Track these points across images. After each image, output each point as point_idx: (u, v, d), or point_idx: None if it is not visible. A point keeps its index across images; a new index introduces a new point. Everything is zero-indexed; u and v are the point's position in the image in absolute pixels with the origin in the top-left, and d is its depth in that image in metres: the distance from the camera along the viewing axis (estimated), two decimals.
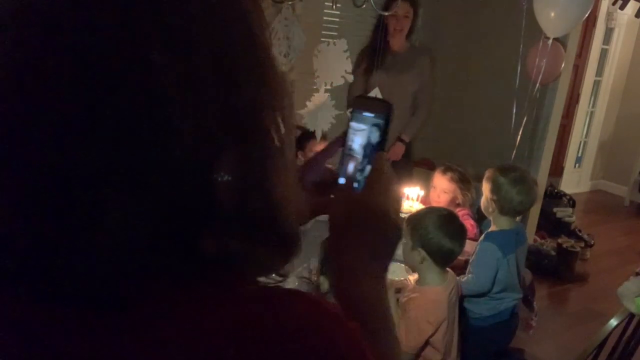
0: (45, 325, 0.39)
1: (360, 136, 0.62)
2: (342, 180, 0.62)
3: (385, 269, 0.59)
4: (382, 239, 0.58)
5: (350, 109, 0.64)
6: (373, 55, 3.05)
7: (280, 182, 0.44)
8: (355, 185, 0.61)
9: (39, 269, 0.38)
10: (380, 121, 0.61)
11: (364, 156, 0.61)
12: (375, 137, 0.61)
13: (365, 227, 0.58)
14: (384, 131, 0.61)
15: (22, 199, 0.37)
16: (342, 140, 0.64)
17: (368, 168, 0.61)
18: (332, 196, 0.63)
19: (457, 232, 1.81)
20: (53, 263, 0.38)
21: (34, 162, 0.37)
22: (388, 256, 0.59)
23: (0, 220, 0.38)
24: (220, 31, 0.41)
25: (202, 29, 0.40)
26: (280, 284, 0.46)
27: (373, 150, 0.61)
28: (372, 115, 0.61)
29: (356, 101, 0.65)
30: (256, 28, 0.44)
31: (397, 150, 3.17)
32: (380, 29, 3.07)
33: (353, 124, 0.62)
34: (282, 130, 0.44)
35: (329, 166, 0.69)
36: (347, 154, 0.63)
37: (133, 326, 0.39)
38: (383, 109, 0.61)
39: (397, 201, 0.61)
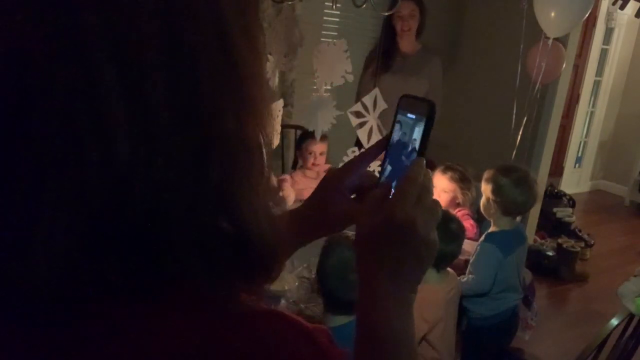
0: None
1: (404, 139, 0.56)
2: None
3: (413, 293, 0.52)
4: (408, 258, 0.51)
5: (396, 110, 0.58)
6: (382, 57, 3.02)
7: (249, 196, 0.40)
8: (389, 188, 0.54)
9: None
10: (423, 123, 0.53)
11: (394, 159, 0.56)
12: (416, 141, 0.54)
13: (389, 244, 0.51)
14: (424, 134, 0.53)
15: None
16: (385, 143, 0.58)
17: (388, 169, 0.56)
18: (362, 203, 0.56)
19: (448, 233, 1.80)
20: None
21: None
22: (416, 279, 0.52)
23: None
24: (177, 21, 0.37)
25: (157, 25, 0.36)
26: (278, 295, 0.43)
27: (408, 155, 0.54)
28: (416, 117, 0.54)
29: (403, 102, 0.57)
30: (233, 28, 0.40)
31: None
32: (387, 30, 3.05)
33: (399, 128, 0.56)
34: (253, 141, 0.40)
35: (370, 170, 0.63)
36: (389, 159, 0.57)
37: (77, 344, 0.37)
38: (424, 109, 0.54)
39: (433, 215, 0.52)
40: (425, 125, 0.53)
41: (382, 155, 0.60)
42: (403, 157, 0.55)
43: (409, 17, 2.97)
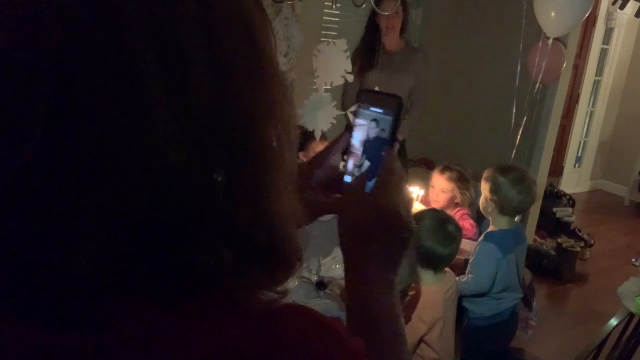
0: (22, 346, 0.38)
1: (360, 132, 0.59)
2: (348, 179, 0.59)
3: (397, 275, 0.57)
4: (396, 243, 0.56)
5: (356, 105, 0.60)
6: (367, 55, 3.04)
7: (279, 199, 0.42)
8: (367, 185, 0.57)
9: (13, 287, 0.36)
10: (388, 117, 0.57)
11: (363, 152, 0.59)
12: (380, 133, 0.57)
13: (379, 231, 0.55)
14: (393, 127, 0.57)
15: None
16: (347, 137, 0.60)
17: (366, 164, 0.58)
18: (339, 196, 0.60)
19: (446, 236, 1.80)
20: (28, 280, 0.36)
21: (6, 166, 0.35)
22: (400, 262, 0.57)
23: None
24: (216, 33, 0.38)
25: (196, 32, 0.37)
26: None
27: (380, 148, 0.58)
28: (380, 111, 0.58)
29: (363, 96, 0.60)
30: (258, 32, 0.41)
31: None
32: (372, 28, 3.07)
33: (358, 121, 0.59)
34: (283, 143, 0.42)
35: (334, 164, 0.65)
36: (352, 152, 0.60)
37: (114, 346, 0.37)
38: (392, 104, 0.57)
39: (409, 202, 0.58)
40: (394, 119, 0.57)
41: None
42: (373, 150, 0.58)
43: (393, 15, 2.98)
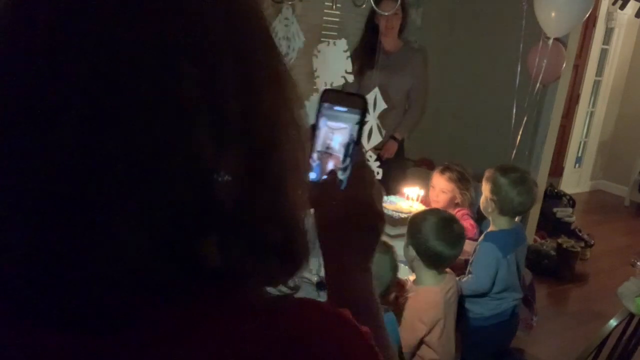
0: (50, 350, 0.38)
1: (340, 134, 0.60)
2: (313, 177, 0.60)
3: (371, 262, 0.61)
4: (369, 232, 0.60)
5: (319, 105, 0.61)
6: (365, 55, 3.04)
7: (294, 198, 0.43)
8: (340, 182, 0.59)
9: (41, 289, 0.37)
10: (354, 115, 0.59)
11: (346, 155, 0.60)
12: (355, 133, 0.59)
13: (354, 222, 0.59)
14: (359, 125, 0.59)
15: (22, 210, 0.36)
16: (312, 133, 0.61)
17: (351, 166, 0.60)
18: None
19: (450, 236, 1.79)
20: (55, 284, 0.36)
21: (36, 173, 0.35)
22: (374, 250, 0.61)
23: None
24: (241, 39, 0.41)
25: (225, 37, 0.39)
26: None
27: (347, 145, 0.60)
28: (348, 110, 0.60)
29: (327, 95, 0.61)
30: (272, 38, 0.44)
31: (390, 148, 3.18)
32: (371, 28, 3.07)
33: (330, 123, 0.60)
34: (297, 143, 0.44)
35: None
36: (324, 152, 0.60)
37: (143, 346, 0.38)
38: (357, 103, 0.60)
39: (380, 193, 0.62)
40: (361, 117, 0.59)
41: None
42: (341, 147, 0.60)
43: (392, 15, 2.98)
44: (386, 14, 2.80)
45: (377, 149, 3.11)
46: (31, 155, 0.36)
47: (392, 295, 1.77)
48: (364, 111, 0.59)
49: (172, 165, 0.37)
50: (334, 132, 0.60)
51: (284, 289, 0.44)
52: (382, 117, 3.06)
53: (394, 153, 3.19)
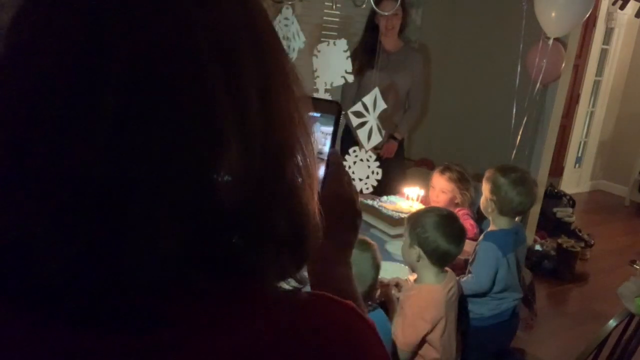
0: (78, 349, 0.38)
1: (329, 139, 0.64)
2: None
3: (350, 255, 0.64)
4: (351, 228, 0.64)
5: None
6: (365, 54, 3.04)
7: (307, 199, 0.45)
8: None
9: (72, 290, 0.37)
10: (329, 119, 0.64)
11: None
12: (321, 134, 0.63)
13: (338, 219, 0.61)
14: (334, 129, 0.64)
15: (53, 216, 0.37)
16: None
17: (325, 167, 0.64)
18: None
19: (455, 233, 1.80)
20: (85, 283, 0.37)
21: (66, 178, 0.36)
22: (353, 245, 0.65)
23: (30, 240, 0.37)
24: (260, 41, 0.42)
25: (246, 38, 0.41)
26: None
27: (323, 147, 0.64)
28: (317, 115, 0.63)
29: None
30: (280, 39, 0.46)
31: (390, 148, 3.19)
32: (371, 28, 3.07)
33: (323, 128, 0.64)
34: (307, 143, 0.45)
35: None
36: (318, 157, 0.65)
37: (172, 344, 0.38)
38: (332, 108, 0.64)
39: (356, 192, 0.66)
40: (335, 122, 0.63)
41: None
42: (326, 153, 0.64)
43: (392, 15, 2.99)
44: (386, 14, 2.80)
45: (376, 148, 3.12)
46: (66, 159, 0.36)
47: (378, 293, 1.78)
48: (337, 116, 0.63)
49: (200, 167, 0.38)
50: (327, 137, 0.63)
51: (292, 282, 0.46)
52: (381, 117, 3.06)
53: (394, 153, 3.20)
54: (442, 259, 1.79)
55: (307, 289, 0.49)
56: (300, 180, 0.44)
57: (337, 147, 0.65)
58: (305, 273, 0.48)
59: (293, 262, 0.45)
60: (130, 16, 0.37)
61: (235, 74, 0.40)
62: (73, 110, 0.36)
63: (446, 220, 1.81)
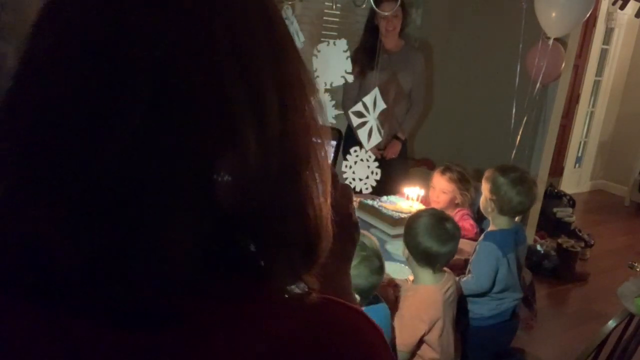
0: (93, 344, 0.39)
1: None
2: None
3: (350, 266, 0.65)
4: (350, 241, 0.64)
5: None
6: (366, 55, 3.04)
7: (320, 202, 0.45)
8: None
9: (88, 287, 0.38)
10: (334, 148, 0.69)
11: None
12: (333, 162, 0.67)
13: (338, 232, 0.61)
14: (335, 152, 0.68)
15: (71, 214, 0.37)
16: None
17: None
18: None
19: (442, 234, 1.79)
20: (101, 284, 0.37)
21: (84, 176, 0.36)
22: (352, 255, 0.65)
23: (48, 237, 0.37)
24: (277, 44, 0.43)
25: (264, 41, 0.41)
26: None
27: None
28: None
29: None
30: (295, 44, 0.46)
31: (394, 148, 3.19)
32: (372, 28, 3.07)
33: None
34: (323, 149, 0.46)
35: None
36: None
37: (184, 343, 0.39)
38: (336, 135, 0.69)
39: (353, 206, 0.66)
40: (335, 147, 0.67)
41: None
42: None
43: (393, 17, 2.99)
44: (385, 14, 2.80)
45: (379, 149, 3.12)
46: (86, 160, 0.37)
47: (390, 291, 1.78)
48: (339, 141, 0.68)
49: (218, 171, 0.38)
50: None
51: (301, 285, 0.46)
52: (384, 117, 3.06)
53: (398, 153, 3.20)
54: (426, 259, 1.79)
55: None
56: (314, 185, 0.44)
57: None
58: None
59: (304, 266, 0.45)
60: (153, 19, 0.37)
61: (255, 80, 0.40)
62: (94, 112, 0.36)
63: (432, 220, 1.82)
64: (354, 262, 0.67)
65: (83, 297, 0.38)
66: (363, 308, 0.52)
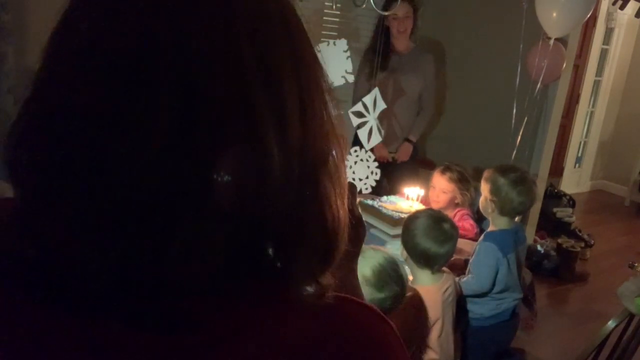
0: (120, 348, 0.39)
1: None
2: None
3: (356, 263, 0.67)
4: (357, 238, 0.65)
5: None
6: (376, 56, 3.03)
7: (338, 203, 0.45)
8: None
9: (115, 292, 0.38)
10: None
11: None
12: None
13: (350, 234, 0.62)
14: None
15: (97, 219, 0.37)
16: None
17: None
18: None
19: (440, 234, 1.79)
20: (126, 287, 0.38)
21: (111, 183, 0.37)
22: (359, 252, 0.67)
23: (74, 244, 0.37)
24: (297, 54, 0.43)
25: (284, 45, 0.42)
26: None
27: None
28: None
29: None
30: (314, 50, 0.46)
31: (405, 151, 3.17)
32: (382, 30, 3.07)
33: None
34: (339, 154, 0.46)
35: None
36: None
37: (207, 346, 0.39)
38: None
39: (357, 206, 0.68)
40: None
41: None
42: None
43: (404, 18, 2.98)
44: (386, 13, 2.80)
45: (390, 152, 3.12)
46: (118, 167, 0.37)
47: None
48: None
49: (245, 177, 0.39)
50: None
51: (316, 285, 0.46)
52: (395, 119, 3.05)
53: (409, 155, 3.19)
54: (423, 259, 1.79)
55: None
56: (331, 189, 0.45)
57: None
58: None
59: (321, 268, 0.46)
60: (178, 27, 0.38)
61: (277, 86, 0.41)
62: (121, 119, 0.37)
63: (430, 221, 1.82)
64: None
65: (110, 302, 0.38)
66: None
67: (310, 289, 0.45)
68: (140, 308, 0.38)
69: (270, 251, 0.42)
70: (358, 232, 0.65)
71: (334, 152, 0.45)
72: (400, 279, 1.54)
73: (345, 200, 0.47)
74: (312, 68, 0.45)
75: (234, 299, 0.40)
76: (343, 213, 0.46)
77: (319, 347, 0.41)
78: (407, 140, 3.18)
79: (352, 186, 0.64)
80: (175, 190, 0.37)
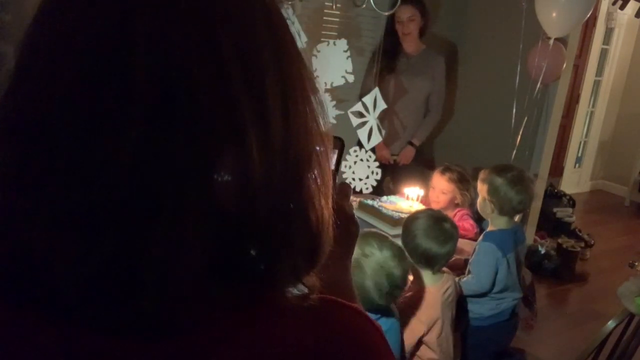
0: (103, 356, 0.39)
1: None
2: None
3: (350, 260, 0.66)
4: (350, 236, 0.65)
5: None
6: (385, 58, 3.02)
7: (323, 206, 0.45)
8: None
9: (96, 299, 0.37)
10: (336, 155, 0.70)
11: None
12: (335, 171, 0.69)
13: (342, 232, 0.61)
14: (337, 161, 0.69)
15: (72, 222, 0.37)
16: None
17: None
18: None
19: (441, 235, 1.79)
20: (105, 293, 0.37)
21: (87, 185, 0.36)
22: (353, 250, 0.66)
23: (53, 251, 0.37)
24: (279, 50, 0.42)
25: (268, 46, 0.41)
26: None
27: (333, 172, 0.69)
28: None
29: None
30: (299, 49, 0.46)
31: (407, 154, 3.16)
32: (389, 31, 3.06)
33: None
34: (325, 152, 0.45)
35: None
36: None
37: (194, 352, 0.38)
38: (338, 145, 0.70)
39: (351, 206, 0.67)
40: (337, 156, 0.68)
41: None
42: None
43: (408, 21, 2.98)
44: (385, 14, 2.80)
45: (393, 155, 3.11)
46: (95, 170, 0.36)
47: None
48: (341, 149, 0.69)
49: (224, 178, 0.38)
50: None
51: (300, 287, 0.46)
52: (400, 120, 3.03)
53: (411, 159, 3.17)
54: (425, 260, 1.79)
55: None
56: (315, 188, 0.44)
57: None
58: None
59: (305, 269, 0.45)
60: (155, 22, 0.37)
61: (258, 83, 0.40)
62: (97, 117, 0.36)
63: (430, 221, 1.82)
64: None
65: (91, 309, 0.37)
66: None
67: (295, 290, 0.44)
68: (120, 314, 0.37)
69: (254, 253, 0.41)
70: (350, 231, 0.65)
71: (317, 150, 0.44)
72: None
73: (330, 200, 0.46)
74: (294, 64, 0.44)
75: (217, 304, 0.39)
76: (327, 213, 0.45)
77: (304, 350, 0.40)
78: (410, 143, 3.16)
79: (346, 186, 0.64)
80: (153, 191, 0.36)
